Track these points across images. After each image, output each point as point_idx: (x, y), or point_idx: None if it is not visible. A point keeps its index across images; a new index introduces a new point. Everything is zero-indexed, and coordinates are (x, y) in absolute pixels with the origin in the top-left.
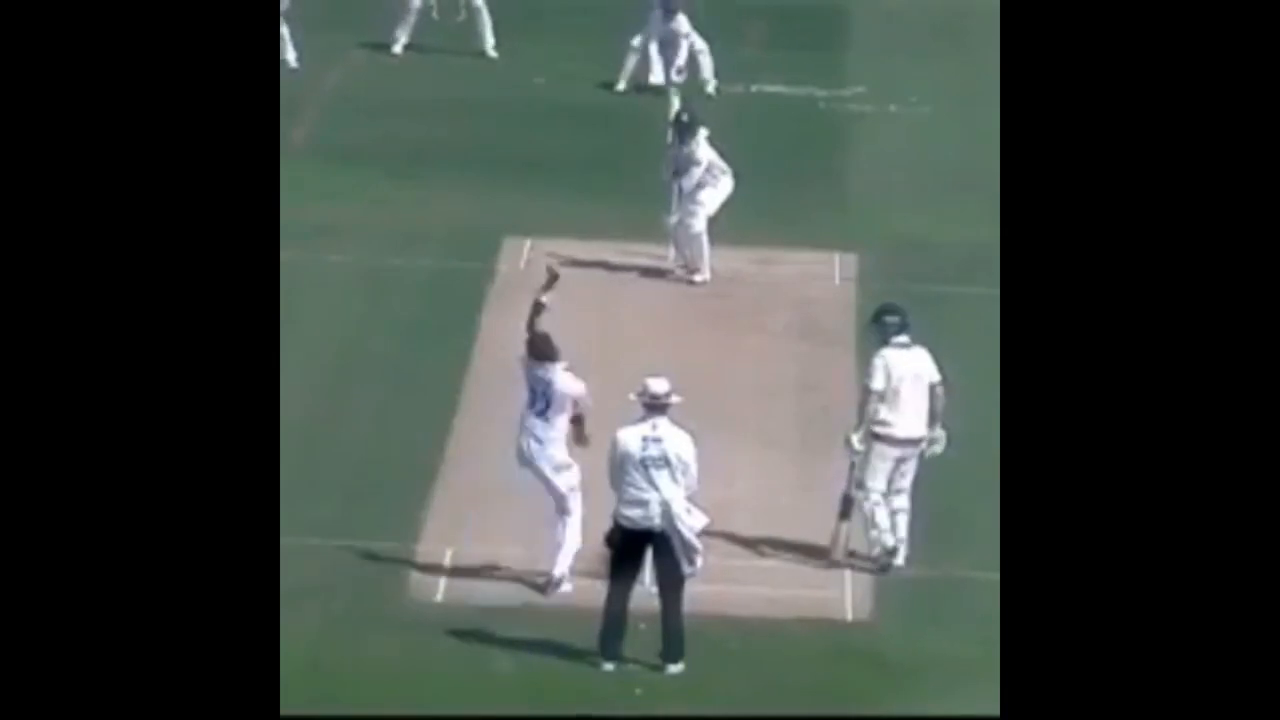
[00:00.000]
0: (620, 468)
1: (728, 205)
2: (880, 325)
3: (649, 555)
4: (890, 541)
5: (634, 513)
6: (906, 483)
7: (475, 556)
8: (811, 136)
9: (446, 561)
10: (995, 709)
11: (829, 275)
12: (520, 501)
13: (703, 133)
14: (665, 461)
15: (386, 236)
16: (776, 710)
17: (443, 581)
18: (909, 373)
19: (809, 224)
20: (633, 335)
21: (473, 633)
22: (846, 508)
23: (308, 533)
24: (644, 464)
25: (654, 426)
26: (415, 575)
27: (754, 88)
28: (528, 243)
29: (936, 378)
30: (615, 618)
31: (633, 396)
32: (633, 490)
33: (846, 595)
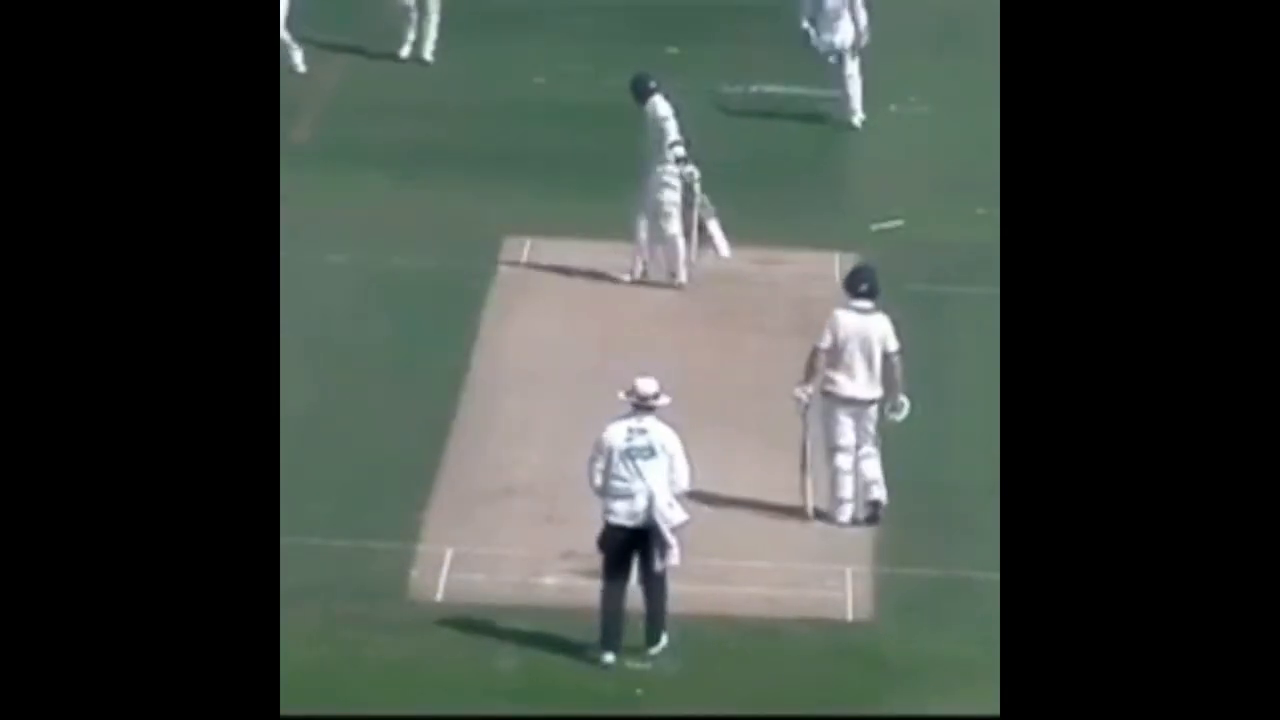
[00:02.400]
0: (606, 462)
1: (728, 205)
2: (845, 286)
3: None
4: (847, 515)
5: (620, 506)
6: (869, 435)
7: (475, 556)
8: (811, 136)
9: (446, 561)
10: (995, 709)
11: (829, 275)
12: (520, 501)
13: (658, 100)
14: (651, 451)
15: (386, 236)
16: (776, 710)
17: (443, 581)
18: (856, 334)
19: (809, 224)
20: (632, 335)
21: (473, 632)
22: (804, 459)
23: (308, 533)
24: (629, 454)
25: (639, 420)
26: (415, 575)
27: (754, 88)
28: (528, 243)
29: (893, 346)
30: (612, 616)
31: (621, 396)
32: (618, 483)
33: (847, 595)
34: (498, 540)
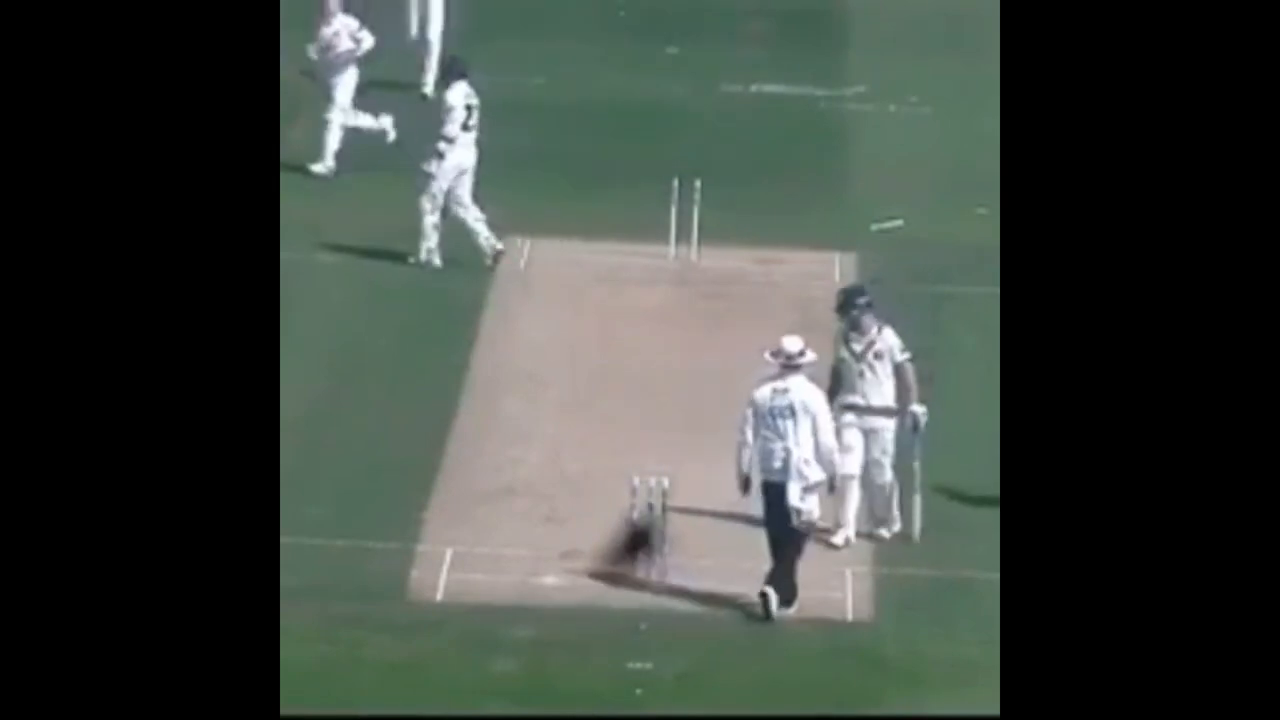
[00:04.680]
0: (755, 421)
1: (729, 204)
2: (864, 306)
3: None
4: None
5: (767, 463)
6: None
7: (475, 556)
8: (811, 136)
9: (446, 561)
10: (995, 709)
11: (829, 275)
12: (520, 501)
13: (460, 86)
14: (791, 410)
15: (386, 236)
16: (776, 710)
17: (443, 581)
18: None
19: (809, 224)
20: (633, 335)
21: (473, 632)
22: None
23: (308, 533)
24: (772, 414)
25: (784, 379)
26: (415, 575)
27: (754, 88)
28: (528, 243)
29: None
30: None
31: (768, 356)
32: (765, 442)
33: (847, 595)
34: (498, 540)
